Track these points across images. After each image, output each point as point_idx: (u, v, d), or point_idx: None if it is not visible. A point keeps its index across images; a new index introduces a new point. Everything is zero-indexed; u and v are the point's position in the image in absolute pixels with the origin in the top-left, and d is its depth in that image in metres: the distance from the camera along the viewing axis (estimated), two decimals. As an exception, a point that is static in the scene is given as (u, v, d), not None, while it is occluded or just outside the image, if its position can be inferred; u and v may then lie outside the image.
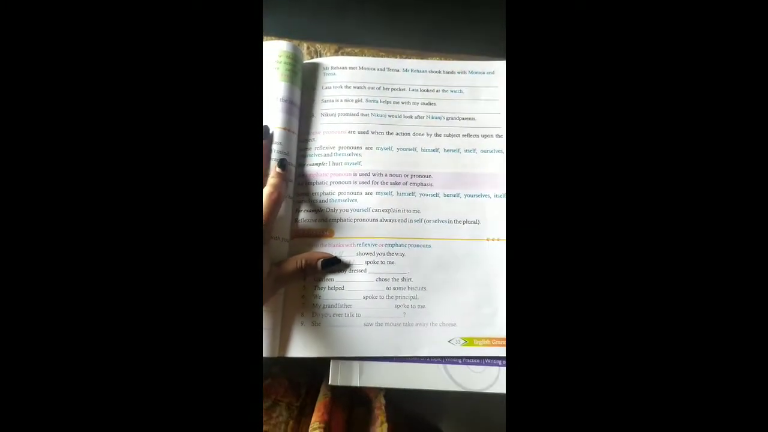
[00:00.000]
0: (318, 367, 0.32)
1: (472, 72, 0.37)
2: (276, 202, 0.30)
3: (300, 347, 0.29)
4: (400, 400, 0.33)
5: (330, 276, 0.31)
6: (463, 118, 0.35)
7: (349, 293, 0.31)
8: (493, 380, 0.30)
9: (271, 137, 0.32)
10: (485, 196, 0.33)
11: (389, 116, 0.35)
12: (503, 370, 0.30)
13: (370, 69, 0.36)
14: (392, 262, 0.31)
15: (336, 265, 0.31)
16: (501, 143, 0.35)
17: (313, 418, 0.29)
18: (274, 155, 0.32)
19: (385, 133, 0.34)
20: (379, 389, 0.32)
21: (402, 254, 0.31)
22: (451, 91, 0.36)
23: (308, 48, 0.40)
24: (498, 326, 0.30)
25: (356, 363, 0.29)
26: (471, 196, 0.33)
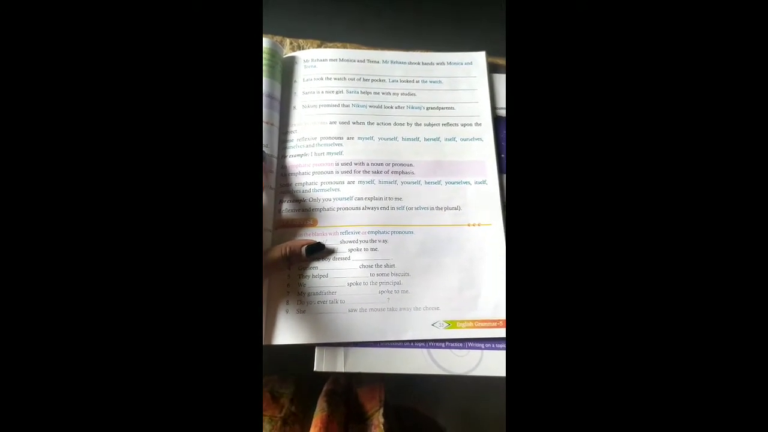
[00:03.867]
0: (301, 378, 0.32)
1: (450, 63, 0.38)
2: None
3: (285, 335, 0.30)
4: (398, 416, 0.33)
5: (314, 264, 0.31)
6: (442, 108, 0.36)
7: (334, 280, 0.31)
8: (476, 363, 0.30)
9: (269, 159, 0.32)
10: (466, 183, 0.34)
11: (370, 107, 0.35)
12: (486, 353, 0.30)
13: (350, 61, 0.37)
14: (375, 249, 0.31)
15: (320, 251, 0.31)
16: (480, 131, 0.35)
17: None
18: (256, 146, 0.32)
19: (366, 123, 0.35)
20: (378, 406, 0.32)
21: (385, 241, 0.32)
22: (431, 82, 0.37)
23: (291, 43, 0.40)
24: (480, 309, 0.31)
25: (341, 349, 0.30)
26: (452, 183, 0.34)
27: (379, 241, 0.32)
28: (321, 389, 0.34)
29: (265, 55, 0.35)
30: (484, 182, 0.34)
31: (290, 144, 0.34)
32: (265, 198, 0.32)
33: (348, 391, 0.34)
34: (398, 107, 0.36)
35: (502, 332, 0.30)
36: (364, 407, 0.33)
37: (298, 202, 0.33)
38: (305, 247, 0.30)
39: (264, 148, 0.32)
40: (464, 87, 0.37)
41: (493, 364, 0.30)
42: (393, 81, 0.36)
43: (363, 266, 0.31)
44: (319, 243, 0.31)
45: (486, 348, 0.30)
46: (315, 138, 0.34)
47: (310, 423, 0.30)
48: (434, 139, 0.35)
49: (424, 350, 0.30)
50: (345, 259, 0.31)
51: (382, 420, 0.31)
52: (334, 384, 0.34)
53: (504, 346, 0.30)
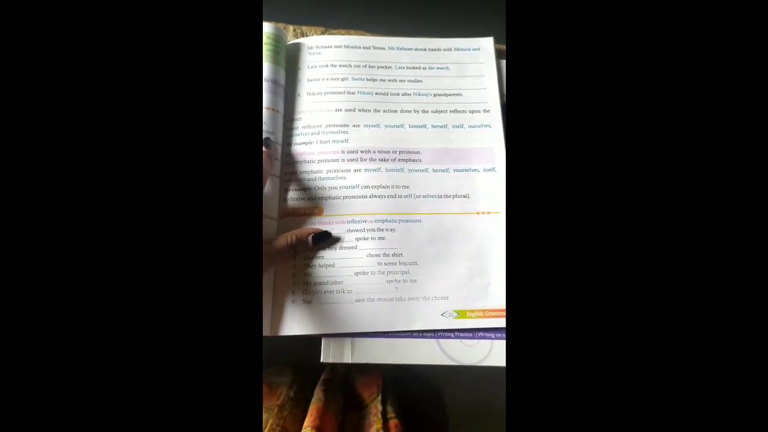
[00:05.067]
0: (299, 367, 0.32)
1: (457, 49, 0.37)
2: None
3: (292, 325, 0.29)
4: (396, 404, 0.33)
5: (321, 253, 0.31)
6: (450, 94, 0.35)
7: (340, 270, 0.30)
8: (486, 353, 0.29)
9: (272, 146, 0.32)
10: (474, 170, 0.33)
11: (376, 94, 0.35)
12: (496, 342, 0.30)
13: (356, 47, 0.36)
14: (383, 238, 0.31)
15: (327, 239, 0.30)
16: (488, 118, 0.34)
17: (306, 423, 0.29)
18: (260, 133, 0.32)
19: (372, 111, 0.34)
20: (376, 394, 0.32)
21: (392, 230, 0.31)
22: (438, 68, 0.36)
23: (294, 30, 0.40)
24: (490, 298, 0.30)
25: (348, 339, 0.29)
26: (460, 170, 0.33)
27: (387, 229, 0.31)
28: (317, 377, 0.33)
29: (269, 41, 0.34)
30: (492, 169, 0.33)
31: (295, 132, 0.33)
32: (270, 186, 0.31)
33: (346, 381, 0.34)
34: (405, 94, 0.35)
35: (512, 322, 0.30)
36: (362, 396, 0.33)
37: (304, 190, 0.32)
38: (311, 235, 0.30)
39: (269, 135, 0.32)
40: (472, 73, 0.36)
41: (504, 354, 0.29)
42: (399, 68, 0.36)
43: (370, 255, 0.30)
44: (326, 231, 0.30)
45: (496, 338, 0.30)
46: (320, 126, 0.33)
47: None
48: (442, 126, 0.34)
49: (433, 340, 0.30)
50: (352, 248, 0.31)
51: (380, 408, 0.30)
52: (331, 374, 0.33)
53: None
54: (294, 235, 0.30)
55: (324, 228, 0.31)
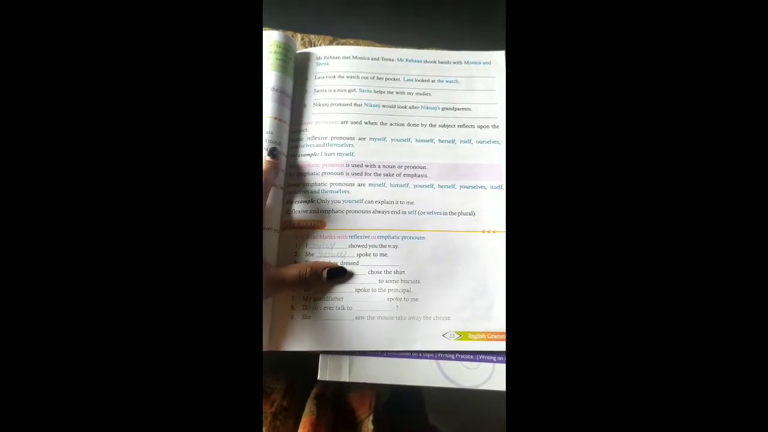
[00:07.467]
0: (295, 373, 0.31)
1: (468, 62, 0.36)
2: (264, 190, 0.29)
3: (289, 341, 0.29)
4: (389, 422, 0.32)
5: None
6: (458, 109, 0.34)
7: (341, 286, 0.30)
8: (487, 377, 0.29)
9: (278, 156, 0.31)
10: (481, 187, 0.32)
11: (383, 106, 0.34)
12: (498, 366, 0.29)
13: (364, 58, 0.35)
14: (385, 255, 0.30)
15: (342, 275, 0.30)
16: (497, 134, 0.34)
17: None
18: (265, 144, 0.31)
19: (378, 124, 0.33)
20: (368, 413, 0.31)
21: (395, 246, 0.30)
22: (447, 81, 0.35)
23: (302, 39, 0.39)
24: (494, 320, 0.29)
25: (346, 357, 0.29)
26: (467, 187, 0.32)
27: (390, 246, 0.30)
28: (312, 387, 0.33)
29: (278, 49, 0.34)
30: (500, 187, 0.32)
31: (301, 143, 0.33)
32: (273, 197, 0.31)
33: (337, 396, 0.34)
34: (412, 107, 0.34)
35: (515, 345, 0.29)
36: (354, 413, 0.33)
37: (307, 203, 0.31)
38: (327, 270, 0.29)
39: (276, 145, 0.31)
40: (482, 87, 0.35)
41: (505, 378, 0.28)
42: (408, 80, 0.35)
43: (372, 272, 0.30)
44: (342, 267, 0.30)
45: (498, 361, 0.29)
46: (326, 137, 0.33)
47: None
48: (449, 141, 0.33)
49: (433, 361, 0.29)
50: (353, 264, 0.30)
51: (371, 427, 0.30)
52: (323, 388, 0.33)
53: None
54: (309, 267, 0.29)
55: (325, 242, 0.30)
